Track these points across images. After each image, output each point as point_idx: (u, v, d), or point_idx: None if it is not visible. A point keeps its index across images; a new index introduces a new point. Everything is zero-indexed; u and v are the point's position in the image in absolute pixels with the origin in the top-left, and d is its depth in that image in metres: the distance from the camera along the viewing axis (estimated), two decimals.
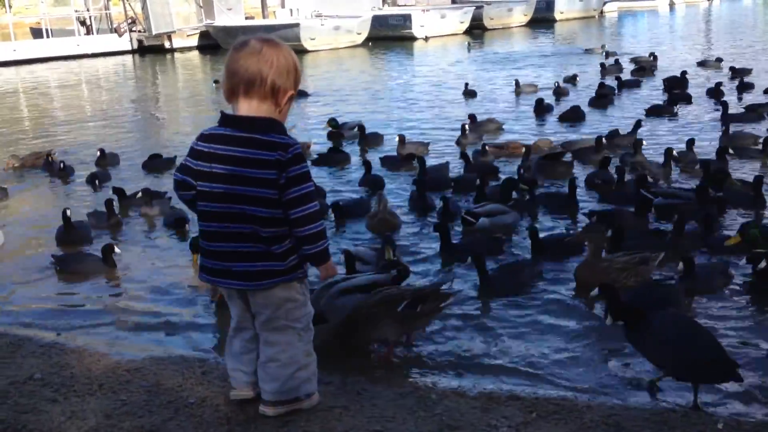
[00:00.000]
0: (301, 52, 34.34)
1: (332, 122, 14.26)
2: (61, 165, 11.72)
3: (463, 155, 11.21)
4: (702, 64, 21.19)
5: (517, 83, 18.45)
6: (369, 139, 13.17)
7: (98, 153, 12.26)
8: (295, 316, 3.51)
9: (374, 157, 11.62)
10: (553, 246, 7.08)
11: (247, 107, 3.33)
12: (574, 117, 14.35)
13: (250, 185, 3.27)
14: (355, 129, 13.59)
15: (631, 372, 4.87)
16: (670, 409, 3.92)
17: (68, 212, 8.26)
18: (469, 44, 32.16)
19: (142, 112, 19.81)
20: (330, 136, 13.87)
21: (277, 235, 3.35)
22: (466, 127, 12.87)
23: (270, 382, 3.57)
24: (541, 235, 7.34)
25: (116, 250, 7.38)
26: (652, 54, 22.60)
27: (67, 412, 3.84)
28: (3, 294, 7.10)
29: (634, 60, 22.29)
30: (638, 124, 12.46)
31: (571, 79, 19.26)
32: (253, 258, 3.36)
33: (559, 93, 17.13)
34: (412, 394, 4.05)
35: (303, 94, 20.06)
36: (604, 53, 24.49)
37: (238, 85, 3.31)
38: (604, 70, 20.56)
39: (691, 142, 10.67)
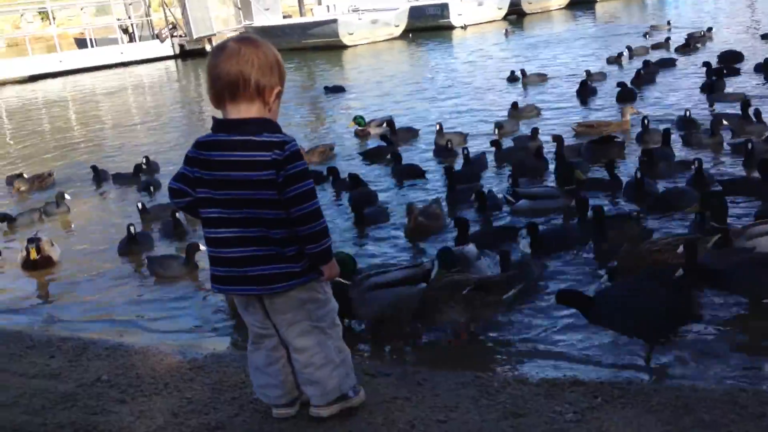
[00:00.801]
0: (340, 47, 34.47)
1: (358, 119, 13.71)
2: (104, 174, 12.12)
3: (494, 142, 10.86)
4: (765, 37, 20.07)
5: (523, 73, 17.66)
6: (399, 135, 12.71)
7: (144, 160, 12.32)
8: (318, 315, 3.41)
9: (408, 152, 11.51)
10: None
11: (236, 111, 3.22)
12: (625, 97, 13.91)
13: (251, 188, 3.17)
14: (384, 125, 13.18)
15: (695, 353, 4.78)
16: (739, 389, 3.83)
17: (132, 228, 8.38)
18: (506, 30, 31.81)
19: (188, 116, 20.08)
20: (357, 134, 13.55)
21: (287, 236, 3.24)
22: (502, 123, 12.51)
23: (311, 386, 3.50)
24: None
25: (201, 247, 7.22)
26: (709, 29, 22.00)
27: (135, 412, 3.92)
28: (67, 297, 7.29)
29: (689, 36, 21.42)
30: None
31: (617, 59, 18.91)
32: (267, 261, 3.25)
33: (589, 80, 15.62)
34: (473, 383, 4.04)
35: (339, 90, 20.09)
36: (670, 29, 23.92)
37: (223, 90, 3.20)
38: (651, 46, 20.16)
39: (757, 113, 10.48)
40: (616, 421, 3.44)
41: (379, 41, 35.81)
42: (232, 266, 3.28)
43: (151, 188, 11.06)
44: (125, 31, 40.88)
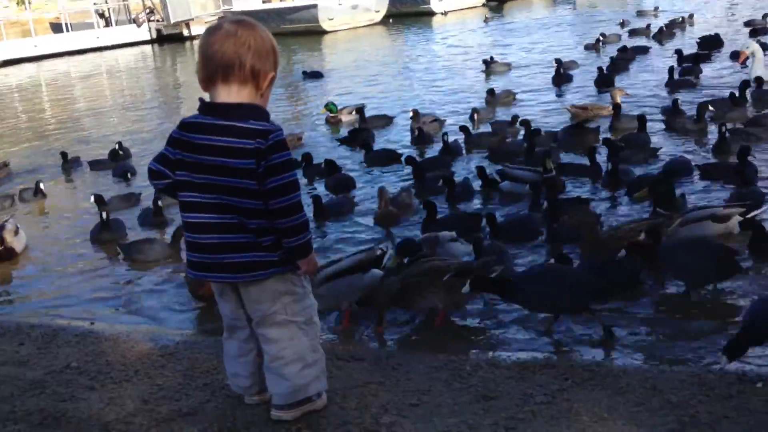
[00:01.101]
0: (320, 32, 34.28)
1: (329, 106, 13.53)
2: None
3: (463, 128, 10.78)
4: (748, 24, 19.87)
5: (489, 61, 17.41)
6: (370, 122, 12.58)
7: (117, 146, 12.09)
8: (294, 310, 3.30)
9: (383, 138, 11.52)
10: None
11: (227, 94, 3.12)
12: (603, 82, 13.99)
13: (231, 176, 3.07)
14: (354, 112, 13.11)
15: (662, 336, 4.83)
16: (707, 371, 3.87)
17: (104, 214, 8.23)
18: (486, 17, 31.80)
19: (164, 101, 19.91)
20: (328, 121, 13.44)
21: (264, 226, 3.14)
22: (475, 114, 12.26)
23: (278, 383, 3.37)
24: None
25: None
26: (690, 15, 22.10)
27: (104, 399, 3.88)
28: (37, 286, 7.21)
29: (670, 22, 21.38)
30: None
31: (594, 46, 18.96)
32: (242, 249, 3.16)
33: (561, 68, 15.40)
34: (446, 366, 4.05)
35: (317, 75, 19.97)
36: (656, 15, 24.05)
37: (216, 71, 3.10)
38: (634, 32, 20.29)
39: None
40: (585, 403, 3.46)
41: (359, 27, 35.65)
42: (207, 252, 3.20)
43: (129, 174, 10.96)
44: (101, 15, 40.42)
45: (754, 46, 13.11)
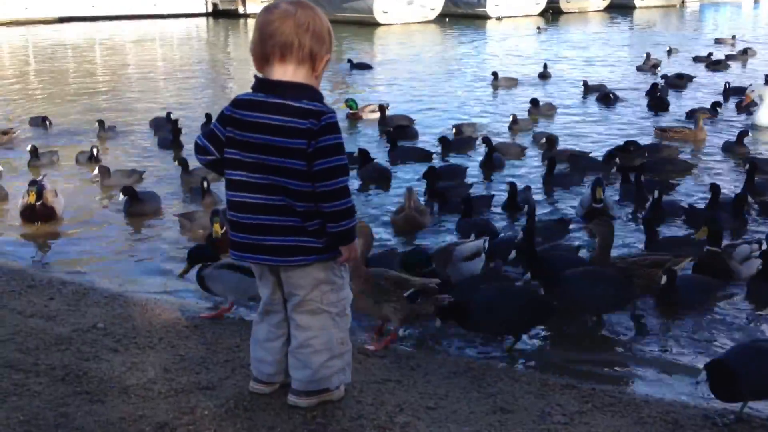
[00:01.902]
0: (374, 24, 34.28)
1: (350, 102, 13.42)
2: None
3: (485, 140, 10.42)
4: None
5: (495, 75, 17.02)
6: (389, 121, 12.43)
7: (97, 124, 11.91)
8: (330, 300, 3.28)
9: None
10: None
11: (282, 72, 3.11)
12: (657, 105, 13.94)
13: (281, 155, 3.05)
14: (375, 110, 12.96)
15: (688, 369, 4.76)
16: (730, 411, 3.79)
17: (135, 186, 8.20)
18: (539, 27, 31.56)
19: (212, 77, 20.05)
20: (348, 117, 13.28)
21: (311, 211, 3.12)
22: (516, 116, 12.42)
23: (301, 369, 3.35)
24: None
25: None
26: (746, 50, 21.72)
27: (127, 362, 3.93)
28: (71, 245, 7.29)
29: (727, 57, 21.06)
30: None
31: (652, 67, 18.75)
32: (286, 232, 3.13)
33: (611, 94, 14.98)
34: (466, 373, 4.04)
35: (365, 66, 19.96)
36: (734, 44, 23.77)
37: (273, 49, 3.08)
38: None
39: None
40: (604, 429, 3.43)
41: (413, 23, 35.59)
42: (251, 233, 3.17)
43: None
44: None
45: (763, 90, 12.73)
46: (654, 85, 15.05)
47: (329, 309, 3.30)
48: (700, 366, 4.71)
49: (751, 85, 13.70)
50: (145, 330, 4.40)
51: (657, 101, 14.04)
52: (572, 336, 5.25)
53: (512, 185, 8.20)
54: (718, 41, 25.24)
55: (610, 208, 7.65)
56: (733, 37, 25.50)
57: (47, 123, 12.51)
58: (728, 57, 20.70)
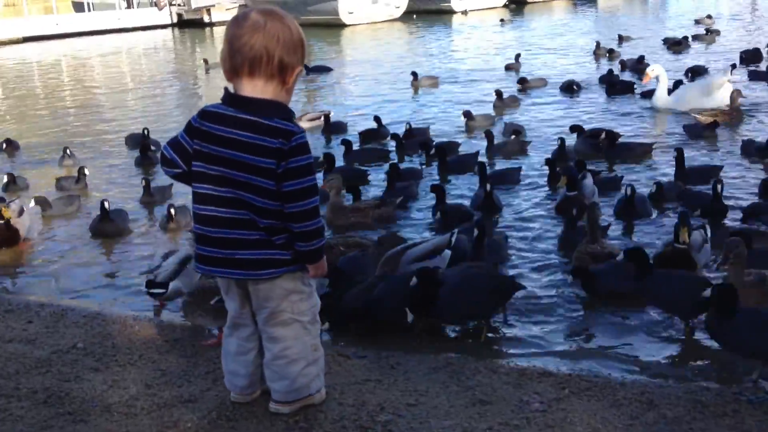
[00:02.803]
0: (340, 26, 34.32)
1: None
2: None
3: (421, 143, 10.68)
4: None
5: (414, 75, 16.78)
6: (332, 129, 12.55)
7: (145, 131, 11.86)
8: (300, 308, 3.24)
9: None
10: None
11: (252, 87, 3.03)
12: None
13: (249, 172, 2.99)
14: (321, 118, 12.93)
15: (664, 351, 4.87)
16: (703, 388, 3.89)
17: (106, 204, 7.90)
18: (502, 20, 31.74)
19: (181, 86, 19.99)
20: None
21: (275, 226, 3.08)
22: (471, 112, 12.48)
23: (279, 380, 3.33)
24: None
25: None
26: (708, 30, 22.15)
27: (108, 380, 3.94)
28: (49, 266, 7.28)
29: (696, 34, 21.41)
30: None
31: (608, 52, 18.94)
32: (255, 246, 3.09)
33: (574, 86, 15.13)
34: (445, 368, 4.09)
35: (323, 70, 19.85)
36: (713, 23, 24.26)
37: (242, 64, 3.00)
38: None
39: None
40: (581, 413, 3.49)
41: (380, 22, 35.65)
42: (218, 247, 3.13)
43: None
44: None
45: (660, 71, 12.99)
46: (609, 71, 15.34)
47: (301, 318, 3.26)
48: (672, 346, 4.86)
49: (650, 65, 13.93)
50: (125, 347, 4.41)
51: (612, 86, 14.38)
52: (548, 323, 5.35)
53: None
54: (697, 22, 25.45)
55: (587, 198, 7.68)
56: (709, 16, 25.77)
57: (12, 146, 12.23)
58: (694, 37, 20.99)
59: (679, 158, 8.58)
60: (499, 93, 13.79)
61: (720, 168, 8.75)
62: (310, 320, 3.30)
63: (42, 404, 3.70)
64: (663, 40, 20.61)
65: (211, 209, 3.11)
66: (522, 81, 15.61)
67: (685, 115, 11.89)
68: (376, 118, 12.17)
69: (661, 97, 12.74)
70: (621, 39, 21.50)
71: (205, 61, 21.95)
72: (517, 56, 18.69)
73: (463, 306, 4.96)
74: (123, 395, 3.76)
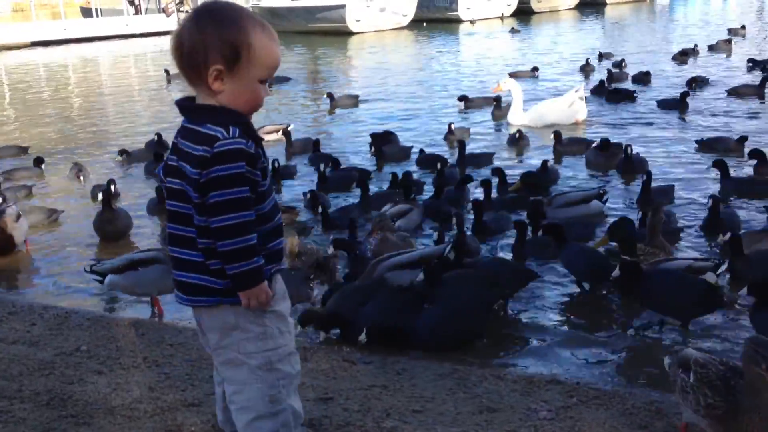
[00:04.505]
0: (347, 33, 34.36)
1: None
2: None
3: (418, 155, 10.55)
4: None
5: (331, 96, 15.65)
6: (295, 145, 11.72)
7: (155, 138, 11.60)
8: (248, 350, 2.72)
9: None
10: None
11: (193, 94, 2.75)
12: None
13: (188, 184, 2.64)
14: (279, 132, 12.34)
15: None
16: None
17: (99, 196, 7.75)
18: (513, 28, 31.77)
19: (189, 92, 19.96)
20: None
21: (210, 248, 2.65)
22: (452, 126, 12.19)
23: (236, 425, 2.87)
24: None
25: None
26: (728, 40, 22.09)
27: (112, 383, 3.92)
28: (53, 268, 7.25)
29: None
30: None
31: (619, 65, 18.86)
32: (193, 268, 2.70)
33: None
34: (451, 375, 4.06)
35: (283, 80, 19.25)
36: (744, 36, 24.05)
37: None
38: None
39: None
40: (589, 422, 3.46)
41: (387, 29, 35.70)
42: (174, 267, 2.78)
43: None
44: (131, 3, 40.79)
45: (512, 85, 13.13)
46: (600, 82, 15.51)
47: (248, 360, 2.74)
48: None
49: (503, 79, 14.05)
50: (129, 350, 4.39)
51: (611, 93, 14.58)
52: (553, 328, 5.31)
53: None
54: (730, 32, 25.26)
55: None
56: (743, 27, 25.67)
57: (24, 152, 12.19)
58: (710, 47, 21.02)
59: None
60: (497, 100, 13.83)
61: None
62: (260, 365, 2.74)
63: (45, 406, 3.67)
64: (679, 52, 20.40)
65: (168, 225, 2.79)
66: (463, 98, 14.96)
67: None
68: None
69: (515, 114, 12.99)
70: (601, 56, 20.98)
71: (167, 71, 21.17)
72: (534, 69, 18.61)
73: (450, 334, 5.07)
74: (126, 398, 3.74)
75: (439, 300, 5.24)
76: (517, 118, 12.87)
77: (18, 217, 7.39)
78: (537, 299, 5.86)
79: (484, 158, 10.41)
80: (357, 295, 5.37)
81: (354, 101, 16.03)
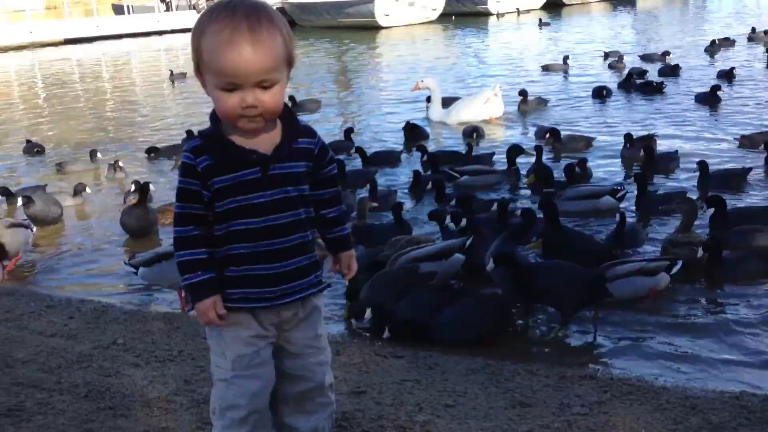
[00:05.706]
0: (376, 28, 34.34)
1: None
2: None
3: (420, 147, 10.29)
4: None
5: (293, 100, 14.26)
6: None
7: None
8: (214, 360, 2.56)
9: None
10: None
11: None
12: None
13: None
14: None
15: (708, 355, 4.76)
16: (750, 393, 3.81)
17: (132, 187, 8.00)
18: (540, 21, 31.48)
19: None
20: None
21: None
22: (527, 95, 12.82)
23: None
24: None
25: None
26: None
27: (148, 376, 3.98)
28: (89, 264, 7.35)
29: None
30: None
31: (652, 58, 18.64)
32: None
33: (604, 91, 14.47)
34: (483, 369, 4.06)
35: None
36: None
37: None
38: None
39: None
40: (623, 417, 3.44)
41: (416, 24, 35.63)
42: None
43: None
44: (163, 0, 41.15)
45: (431, 83, 13.33)
46: (629, 75, 15.36)
47: (212, 371, 2.60)
48: (717, 350, 4.77)
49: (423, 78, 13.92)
50: (164, 344, 4.45)
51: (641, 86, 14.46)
52: (585, 323, 5.28)
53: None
54: (754, 30, 24.63)
55: None
56: None
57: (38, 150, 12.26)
58: (749, 39, 20.74)
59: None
60: (523, 93, 13.70)
61: None
62: (217, 376, 2.55)
63: (83, 398, 3.74)
64: (711, 42, 20.04)
65: None
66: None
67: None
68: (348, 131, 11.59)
69: (434, 111, 13.29)
70: (607, 56, 20.15)
71: (171, 72, 21.28)
72: (565, 58, 18.52)
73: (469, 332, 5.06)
74: (162, 390, 3.79)
75: (459, 298, 5.25)
76: (436, 114, 13.28)
77: (11, 225, 6.98)
78: None
79: (485, 158, 9.98)
80: (391, 286, 5.38)
81: (317, 105, 15.33)
